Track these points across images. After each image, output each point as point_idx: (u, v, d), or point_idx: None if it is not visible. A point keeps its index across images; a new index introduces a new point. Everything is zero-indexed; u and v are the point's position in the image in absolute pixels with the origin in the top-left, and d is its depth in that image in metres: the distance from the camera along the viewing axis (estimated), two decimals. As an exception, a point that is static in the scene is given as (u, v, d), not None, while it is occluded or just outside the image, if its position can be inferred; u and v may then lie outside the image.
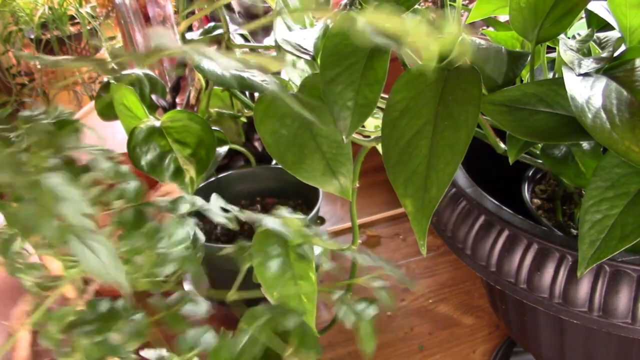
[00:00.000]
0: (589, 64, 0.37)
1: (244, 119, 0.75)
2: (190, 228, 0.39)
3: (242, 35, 0.75)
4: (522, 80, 0.47)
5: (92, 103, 1.45)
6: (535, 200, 0.49)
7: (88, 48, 2.25)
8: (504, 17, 0.56)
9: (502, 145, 0.41)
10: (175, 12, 1.11)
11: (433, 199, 0.35)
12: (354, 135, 0.44)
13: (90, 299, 0.36)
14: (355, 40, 0.40)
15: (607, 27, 0.45)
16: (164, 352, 0.36)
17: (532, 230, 0.39)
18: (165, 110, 0.71)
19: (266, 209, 0.74)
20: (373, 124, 0.56)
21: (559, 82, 0.37)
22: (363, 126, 0.41)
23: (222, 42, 0.69)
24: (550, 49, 0.47)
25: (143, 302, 0.37)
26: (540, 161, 0.43)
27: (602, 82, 0.35)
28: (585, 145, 0.41)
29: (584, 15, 0.48)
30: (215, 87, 0.72)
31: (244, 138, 0.76)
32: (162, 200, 0.39)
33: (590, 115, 0.32)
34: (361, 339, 0.40)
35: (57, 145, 0.32)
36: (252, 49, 0.77)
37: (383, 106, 0.39)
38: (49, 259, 0.35)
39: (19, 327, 0.33)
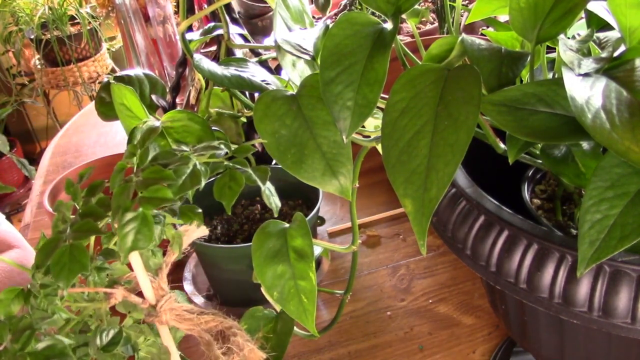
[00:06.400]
0: (588, 64, 0.37)
1: (244, 119, 0.75)
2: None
3: (242, 36, 0.75)
4: (522, 80, 0.47)
5: (92, 103, 1.45)
6: (535, 200, 0.49)
7: (88, 48, 2.25)
8: (504, 17, 0.56)
9: (502, 145, 0.41)
10: (175, 12, 1.11)
11: (433, 199, 0.35)
12: (354, 135, 0.44)
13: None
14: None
15: (607, 27, 0.45)
16: None
17: (532, 230, 0.39)
18: (165, 110, 0.71)
19: (266, 209, 0.74)
20: (373, 124, 0.56)
21: (559, 82, 0.37)
22: (363, 126, 0.41)
23: (222, 43, 0.69)
24: (550, 49, 0.47)
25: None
26: (540, 161, 0.43)
27: (602, 82, 0.35)
28: (585, 145, 0.41)
29: (583, 15, 0.48)
30: (215, 87, 0.72)
31: (244, 138, 0.76)
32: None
33: (590, 116, 0.32)
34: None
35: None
36: (252, 49, 0.77)
37: (383, 106, 0.39)
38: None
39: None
